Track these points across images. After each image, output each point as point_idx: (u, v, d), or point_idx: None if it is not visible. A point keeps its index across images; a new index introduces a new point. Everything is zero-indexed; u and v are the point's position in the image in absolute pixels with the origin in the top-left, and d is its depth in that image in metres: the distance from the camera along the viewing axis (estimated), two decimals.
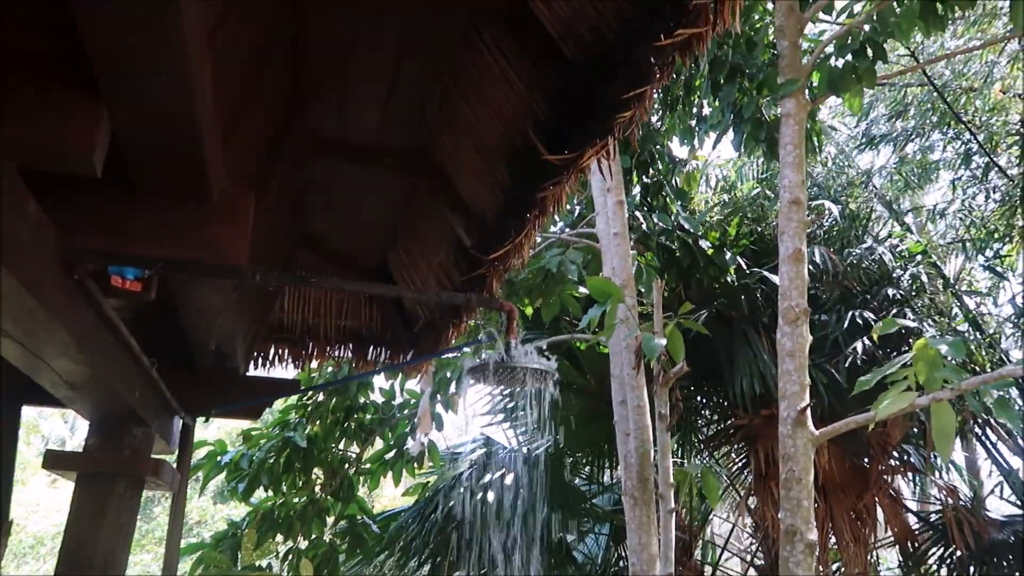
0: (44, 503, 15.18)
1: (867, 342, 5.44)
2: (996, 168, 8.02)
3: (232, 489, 5.40)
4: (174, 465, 3.29)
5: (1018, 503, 5.83)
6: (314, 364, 4.74)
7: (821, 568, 5.61)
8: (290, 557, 5.33)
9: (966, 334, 6.08)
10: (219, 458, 5.52)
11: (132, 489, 2.96)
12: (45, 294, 1.74)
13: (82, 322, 2.02)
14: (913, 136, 9.60)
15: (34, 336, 1.94)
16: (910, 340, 5.53)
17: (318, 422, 5.78)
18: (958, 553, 5.43)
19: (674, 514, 3.58)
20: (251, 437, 5.62)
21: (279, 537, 5.52)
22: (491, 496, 5.83)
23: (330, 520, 5.72)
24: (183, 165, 1.80)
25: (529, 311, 5.89)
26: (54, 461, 2.83)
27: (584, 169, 2.19)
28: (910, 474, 6.40)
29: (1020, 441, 5.85)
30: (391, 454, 5.84)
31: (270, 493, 5.61)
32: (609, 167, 2.25)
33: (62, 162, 1.43)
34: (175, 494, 3.38)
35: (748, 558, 7.19)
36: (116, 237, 1.79)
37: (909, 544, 5.71)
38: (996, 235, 7.90)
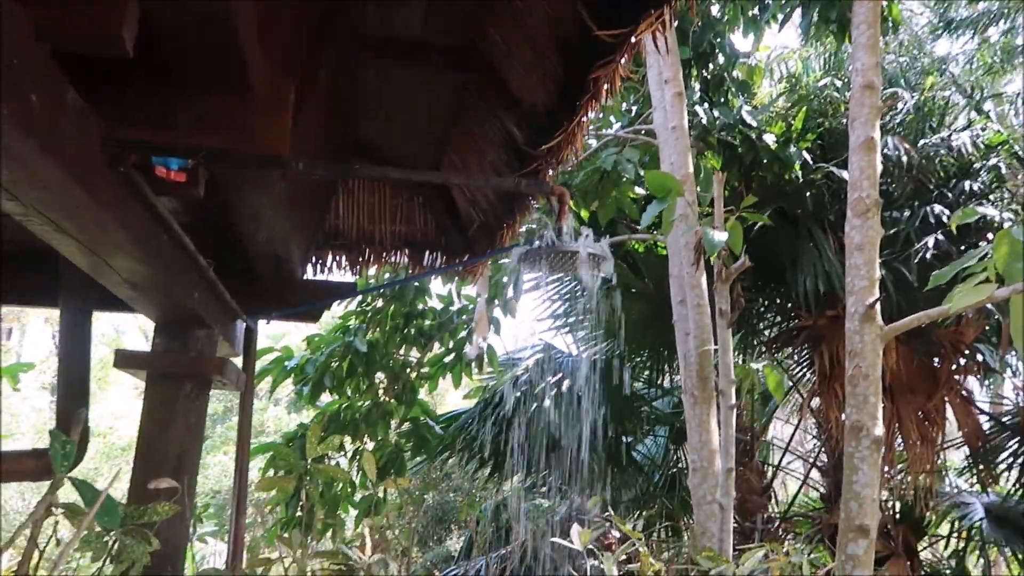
0: (134, 410, 16.11)
1: (941, 238, 5.18)
2: None
3: (299, 393, 5.58)
4: (239, 367, 3.38)
5: None
6: (371, 271, 4.77)
7: (888, 468, 5.54)
8: (357, 457, 5.53)
9: None
10: (285, 363, 5.69)
11: (199, 388, 3.06)
12: (93, 187, 1.74)
13: (135, 218, 2.02)
14: (995, 19, 8.87)
15: (88, 232, 1.96)
16: (988, 236, 5.25)
17: (378, 328, 5.87)
18: None
19: (734, 412, 3.53)
20: (313, 342, 5.76)
21: (347, 439, 5.72)
22: (549, 399, 5.89)
23: (394, 422, 5.87)
24: (220, 54, 1.75)
25: (585, 214, 5.78)
26: (124, 360, 2.93)
27: (639, 46, 2.04)
28: (983, 375, 6.20)
29: None
30: (450, 358, 5.91)
31: (336, 397, 5.78)
32: (666, 45, 2.10)
33: (91, 42, 1.39)
34: (243, 393, 3.49)
35: (811, 460, 7.17)
36: (158, 128, 1.76)
37: (980, 444, 5.58)
38: None
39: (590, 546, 2.77)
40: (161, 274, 2.44)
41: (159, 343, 3.04)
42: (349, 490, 5.56)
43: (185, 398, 2.99)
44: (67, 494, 1.97)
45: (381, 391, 5.87)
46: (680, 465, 6.88)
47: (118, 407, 16.50)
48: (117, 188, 1.90)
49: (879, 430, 3.47)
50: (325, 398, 6.01)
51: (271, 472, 5.02)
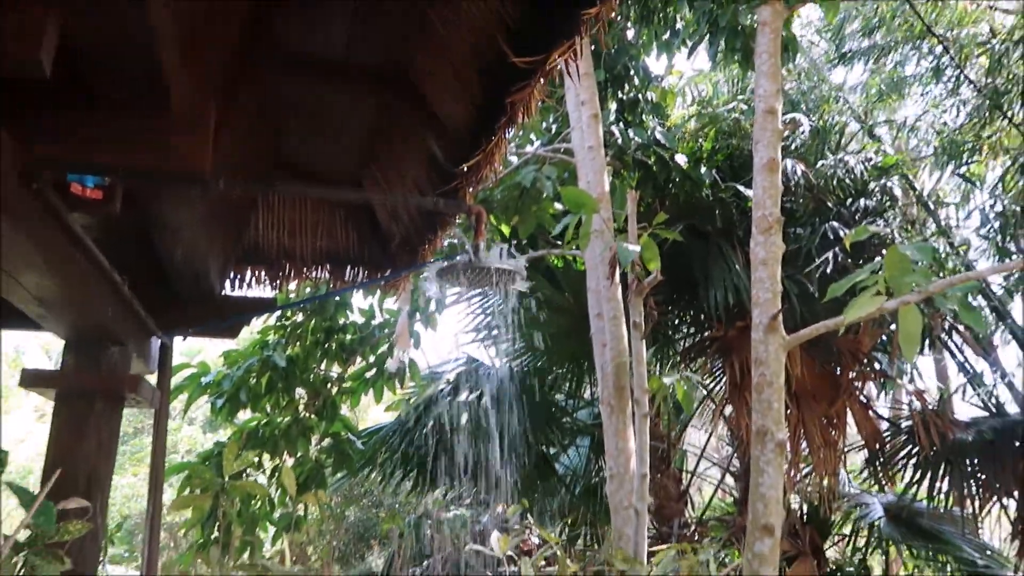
0: (34, 433, 15.31)
1: (839, 253, 5.51)
2: (967, 81, 7.98)
3: (216, 410, 5.47)
4: (152, 384, 3.32)
5: (982, 405, 6.04)
6: (291, 285, 4.74)
7: (793, 472, 5.81)
8: (276, 473, 5.45)
9: (936, 244, 6.18)
10: (201, 379, 5.57)
11: (111, 407, 3.00)
12: (5, 203, 1.72)
13: (47, 234, 2.00)
14: (886, 51, 9.50)
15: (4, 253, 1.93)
16: (882, 252, 5.62)
17: (298, 343, 5.82)
18: (924, 454, 5.64)
19: (649, 419, 3.68)
20: (231, 357, 5.66)
21: (266, 455, 5.63)
22: (472, 411, 5.96)
23: (315, 438, 5.82)
24: (141, 74, 1.76)
25: (506, 230, 5.89)
26: (32, 380, 2.85)
27: (553, 71, 2.15)
28: (881, 381, 6.59)
29: (984, 345, 6.03)
30: (372, 372, 5.91)
31: (254, 413, 5.70)
32: (578, 71, 2.21)
33: (9, 67, 1.39)
34: (157, 411, 3.42)
35: (724, 465, 7.45)
36: (75, 145, 1.75)
37: (877, 447, 5.93)
38: (965, 148, 7.93)
39: (509, 552, 2.85)
40: (73, 291, 2.41)
41: (69, 361, 2.97)
42: (268, 508, 5.48)
43: (97, 416, 2.92)
44: None
45: (301, 407, 5.81)
46: (601, 474, 7.04)
47: (20, 428, 15.70)
48: (29, 204, 1.88)
49: (782, 434, 3.67)
50: (243, 416, 5.91)
51: (187, 492, 4.92)
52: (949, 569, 5.68)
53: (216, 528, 4.71)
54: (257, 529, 5.38)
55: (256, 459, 5.13)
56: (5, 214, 1.74)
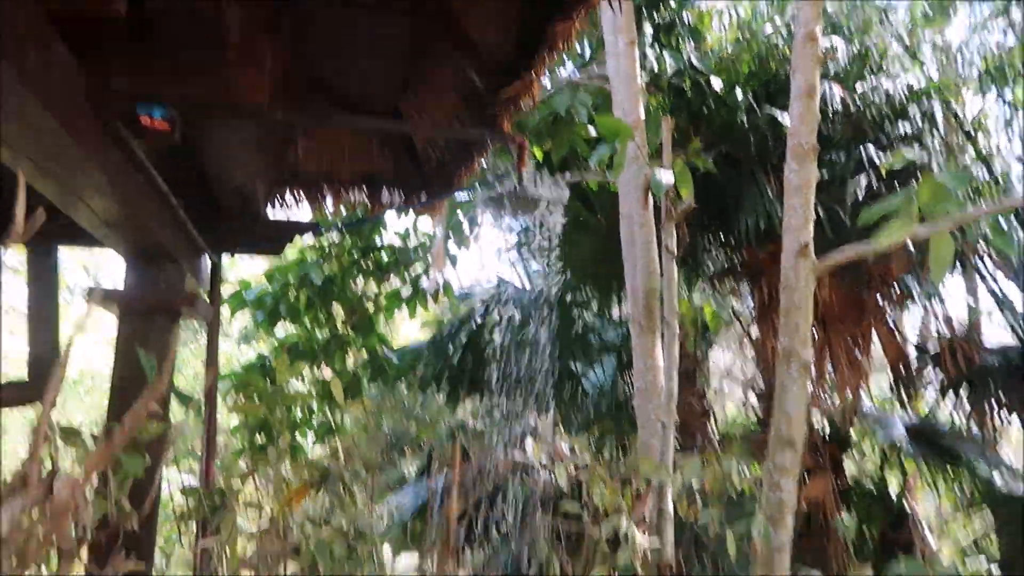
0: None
1: (874, 179, 5.49)
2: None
3: (258, 323, 5.71)
4: (206, 299, 3.52)
5: (1010, 330, 6.08)
6: (330, 208, 4.87)
7: (819, 392, 5.96)
8: (316, 384, 5.73)
9: (975, 171, 6.10)
10: (244, 295, 5.80)
11: (169, 321, 3.20)
12: (80, 132, 1.85)
13: (114, 161, 2.13)
14: None
15: (71, 173, 2.07)
16: (917, 178, 5.58)
17: (335, 262, 6.00)
18: (949, 377, 5.74)
19: (677, 340, 3.81)
20: (272, 275, 5.87)
21: (304, 369, 5.90)
22: (503, 329, 6.14)
23: (352, 352, 6.07)
24: (200, 13, 1.85)
25: (539, 154, 5.93)
26: (99, 297, 3.05)
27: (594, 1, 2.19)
28: (911, 307, 6.64)
29: (1017, 270, 6.02)
30: (407, 292, 6.09)
31: (294, 329, 5.94)
32: (620, 2, 2.25)
33: (90, 3, 1.49)
34: (210, 323, 3.63)
35: (748, 384, 7.62)
36: (144, 80, 1.86)
37: (902, 369, 6.03)
38: (1013, 73, 7.67)
39: (543, 459, 3.04)
40: (135, 213, 2.55)
41: (130, 279, 3.15)
42: (307, 416, 5.78)
43: (157, 330, 3.12)
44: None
45: (339, 323, 6.04)
46: (627, 391, 7.27)
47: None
48: (100, 133, 2.01)
49: (808, 355, 3.79)
50: (281, 332, 6.16)
51: (230, 399, 5.21)
52: (965, 485, 5.84)
53: (261, 435, 5.01)
54: (297, 434, 5.69)
55: (303, 369, 5.38)
56: (81, 142, 1.86)
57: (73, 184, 2.13)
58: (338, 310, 6.13)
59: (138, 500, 2.50)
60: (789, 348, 3.87)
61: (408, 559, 3.06)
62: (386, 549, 3.12)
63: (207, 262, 3.64)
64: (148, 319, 3.07)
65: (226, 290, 5.96)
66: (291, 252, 6.16)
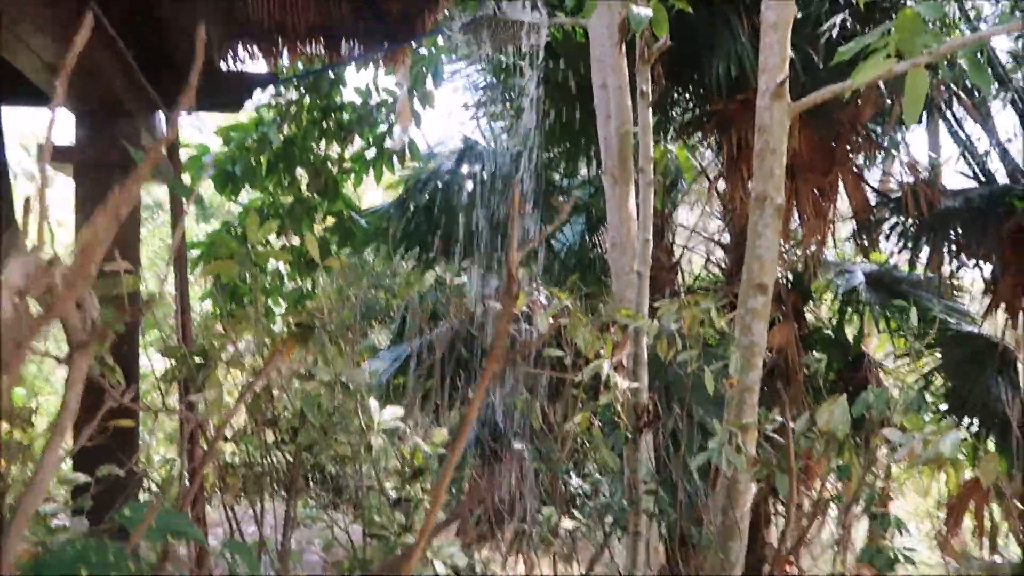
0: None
1: (849, 19, 5.34)
2: None
3: (219, 188, 5.53)
4: (165, 155, 3.35)
5: (972, 175, 6.17)
6: (286, 61, 4.62)
7: (783, 242, 6.05)
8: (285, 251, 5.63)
9: (946, 7, 5.97)
10: (203, 160, 5.58)
11: (128, 179, 3.06)
12: None
13: None
14: None
15: (9, 11, 1.88)
16: (892, 15, 5.44)
17: (294, 123, 5.77)
18: (910, 223, 5.85)
19: (652, 186, 3.77)
20: (227, 135, 5.63)
21: (271, 235, 5.78)
22: (470, 187, 6.04)
23: (318, 217, 5.95)
24: None
25: None
26: (50, 154, 2.87)
27: None
28: (875, 152, 6.66)
29: (983, 113, 6.04)
30: (371, 152, 5.92)
31: (257, 193, 5.77)
32: None
33: None
34: (172, 187, 3.48)
35: (715, 239, 7.72)
36: None
37: (866, 217, 6.13)
38: None
39: (524, 309, 3.05)
40: (82, 57, 2.36)
41: (82, 135, 2.98)
42: (278, 282, 5.73)
43: (116, 188, 2.99)
44: None
45: (303, 186, 5.88)
46: (596, 251, 7.32)
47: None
48: None
49: (781, 199, 3.80)
50: (241, 204, 5.98)
51: (199, 272, 5.11)
52: (920, 329, 6.08)
53: (232, 304, 4.97)
54: (269, 302, 5.66)
55: (276, 228, 5.26)
56: None
57: (11, 23, 1.94)
58: (302, 174, 5.95)
59: (120, 360, 2.46)
60: (763, 192, 3.87)
61: (392, 411, 3.10)
62: (372, 403, 3.16)
63: (161, 119, 3.44)
64: (105, 176, 2.93)
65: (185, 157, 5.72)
66: (248, 115, 5.90)
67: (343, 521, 3.90)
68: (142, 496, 3.09)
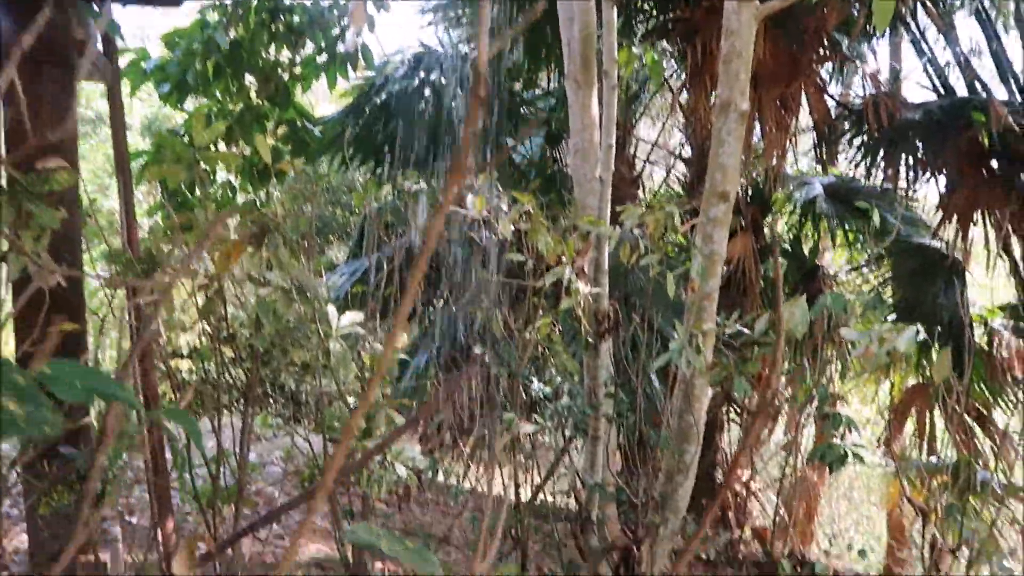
0: None
1: None
2: None
3: (164, 96, 5.26)
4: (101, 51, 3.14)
5: (932, 88, 6.16)
6: None
7: (743, 155, 6.01)
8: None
9: None
10: (143, 65, 5.28)
11: (62, 74, 2.85)
12: None
13: None
14: None
15: None
16: None
17: (241, 25, 5.46)
18: (870, 134, 5.86)
19: (616, 92, 3.68)
20: (171, 39, 5.32)
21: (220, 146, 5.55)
22: (427, 96, 5.85)
23: (270, 126, 5.72)
24: None
25: None
26: None
27: None
28: (840, 66, 6.60)
29: (948, 23, 5.99)
30: (324, 58, 5.66)
31: (204, 100, 5.51)
32: None
33: None
34: (110, 85, 3.28)
35: (677, 153, 7.67)
36: None
37: (827, 130, 6.11)
38: None
39: (484, 214, 2.99)
40: None
41: (5, 23, 2.76)
42: (229, 194, 5.54)
43: (50, 84, 2.80)
44: None
45: (253, 93, 5.62)
46: (556, 166, 7.23)
47: None
48: None
49: (746, 105, 3.74)
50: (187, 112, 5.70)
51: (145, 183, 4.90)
52: (875, 241, 6.17)
53: (183, 208, 4.78)
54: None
55: (224, 130, 5.05)
56: None
57: None
58: (251, 81, 5.68)
59: (60, 260, 2.34)
60: (728, 98, 3.80)
61: (351, 317, 3.04)
62: (330, 309, 3.10)
63: (94, 12, 3.21)
64: (36, 70, 2.73)
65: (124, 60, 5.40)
66: (191, 17, 5.57)
67: (304, 433, 3.89)
68: (92, 410, 3.01)
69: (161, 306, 2.79)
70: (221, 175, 5.58)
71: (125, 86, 5.52)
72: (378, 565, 3.95)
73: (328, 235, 11.73)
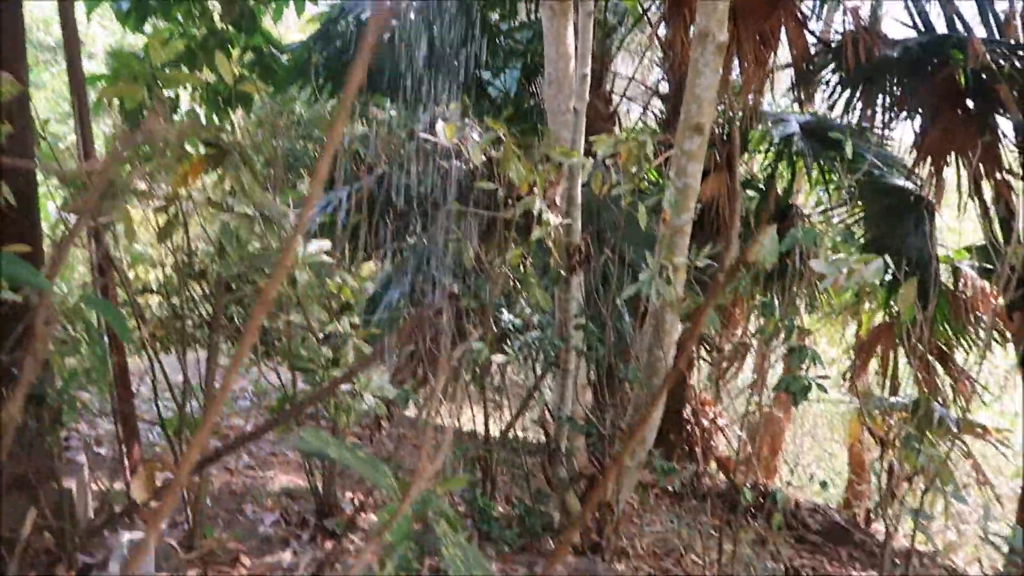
0: None
1: None
2: None
3: (123, 17, 5.03)
4: None
5: (912, 24, 6.07)
6: None
7: (720, 92, 5.93)
8: (198, 89, 5.24)
9: None
10: None
11: None
12: None
13: None
14: None
15: None
16: None
17: None
18: (848, 71, 5.78)
19: (592, 18, 3.58)
20: None
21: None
22: (402, 21, 5.67)
23: (236, 53, 5.52)
24: None
25: None
26: None
27: None
28: (819, 3, 6.49)
29: None
30: None
31: (165, 23, 5.29)
32: None
33: None
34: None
35: (654, 88, 7.55)
36: None
37: (804, 66, 6.03)
38: None
39: (455, 142, 2.92)
40: None
41: None
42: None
43: None
44: None
45: (217, 17, 5.40)
46: (532, 99, 7.10)
47: None
48: None
49: (724, 36, 3.67)
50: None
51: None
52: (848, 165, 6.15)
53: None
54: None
55: (182, 46, 4.84)
56: None
57: None
58: (214, 4, 5.45)
59: (10, 176, 2.26)
60: (706, 28, 3.73)
61: (318, 244, 2.99)
62: (297, 237, 3.03)
63: None
64: None
65: None
66: None
67: (274, 366, 3.87)
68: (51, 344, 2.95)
69: (117, 227, 2.72)
70: (186, 106, 5.40)
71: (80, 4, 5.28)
72: (348, 495, 3.98)
73: (299, 169, 11.51)
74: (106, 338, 3.17)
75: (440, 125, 2.86)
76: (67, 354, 2.00)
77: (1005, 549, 2.86)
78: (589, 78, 3.63)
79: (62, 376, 2.05)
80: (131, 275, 3.23)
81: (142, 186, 2.52)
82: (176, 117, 5.18)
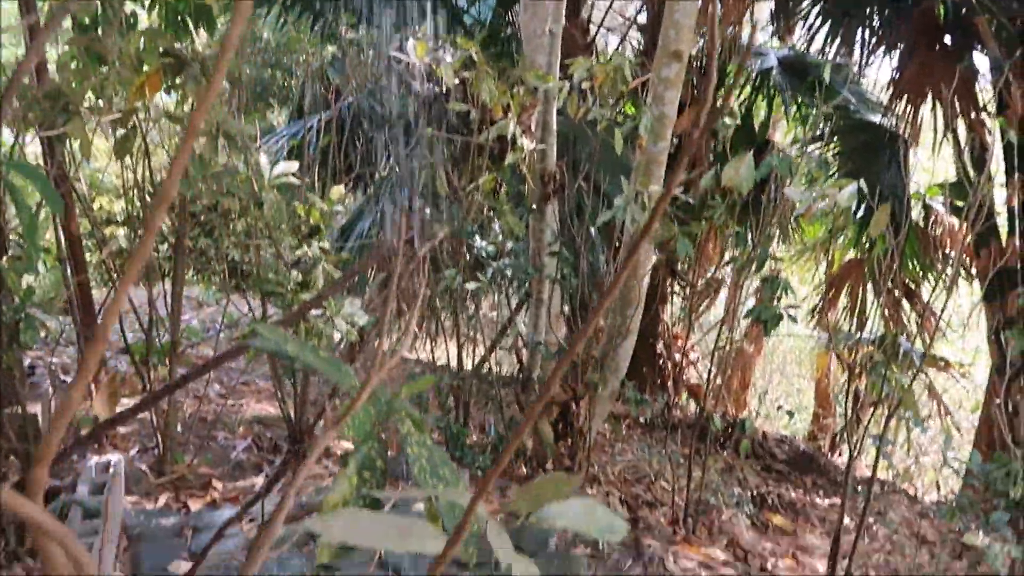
0: None
1: None
2: None
3: None
4: None
5: None
6: None
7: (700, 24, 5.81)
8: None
9: None
10: None
11: None
12: None
13: None
14: None
15: None
16: None
17: None
18: (827, 5, 5.69)
19: None
20: None
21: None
22: None
23: None
24: None
25: None
26: None
27: None
28: None
29: None
30: None
31: None
32: None
33: None
34: None
35: (632, 19, 7.39)
36: None
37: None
38: None
39: (427, 60, 2.82)
40: None
41: None
42: (152, 44, 5.14)
43: None
44: None
45: None
46: (510, 29, 6.92)
47: None
48: None
49: None
50: None
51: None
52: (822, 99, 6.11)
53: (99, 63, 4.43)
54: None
55: None
56: None
57: None
58: None
59: None
60: None
61: (285, 166, 2.90)
62: (262, 158, 2.94)
63: None
64: None
65: None
66: None
67: (248, 300, 3.81)
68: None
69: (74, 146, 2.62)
70: (144, 25, 5.16)
71: None
72: (320, 424, 3.98)
73: (268, 98, 11.23)
74: (68, 265, 3.09)
75: (411, 43, 2.76)
76: (21, 271, 1.93)
77: (963, 473, 2.94)
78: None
79: (18, 295, 1.98)
80: (90, 198, 3.13)
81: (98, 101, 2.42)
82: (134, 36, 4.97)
